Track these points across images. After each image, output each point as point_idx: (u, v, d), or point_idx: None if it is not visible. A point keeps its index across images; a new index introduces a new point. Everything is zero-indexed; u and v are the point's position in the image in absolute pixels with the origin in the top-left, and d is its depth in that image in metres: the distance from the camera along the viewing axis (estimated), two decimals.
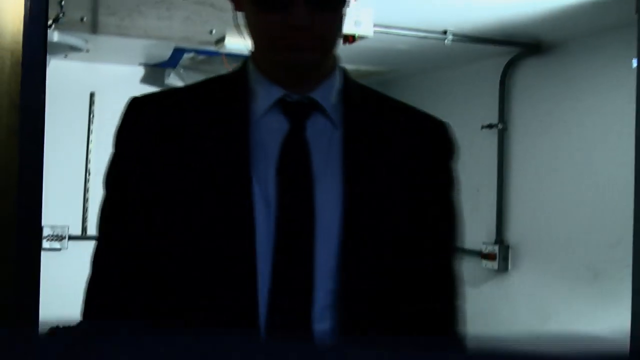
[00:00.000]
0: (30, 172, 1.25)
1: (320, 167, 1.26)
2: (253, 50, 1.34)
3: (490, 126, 4.22)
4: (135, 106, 1.35)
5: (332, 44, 1.29)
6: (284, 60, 1.25)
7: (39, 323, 1.46)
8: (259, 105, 1.29)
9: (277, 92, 1.29)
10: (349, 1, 1.26)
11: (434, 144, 1.39)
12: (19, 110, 1.17)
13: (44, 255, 4.97)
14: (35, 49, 1.13)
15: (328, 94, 1.32)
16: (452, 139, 1.44)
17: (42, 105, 1.27)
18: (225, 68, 4.24)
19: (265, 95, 1.30)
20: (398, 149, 1.32)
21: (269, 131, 1.27)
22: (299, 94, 1.30)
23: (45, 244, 4.38)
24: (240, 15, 1.33)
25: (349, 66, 4.44)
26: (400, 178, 1.30)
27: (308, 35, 1.21)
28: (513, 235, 4.09)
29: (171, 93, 1.43)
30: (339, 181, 1.25)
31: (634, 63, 2.95)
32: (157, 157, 1.25)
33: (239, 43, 3.75)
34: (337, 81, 1.34)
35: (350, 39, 3.32)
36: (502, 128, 4.18)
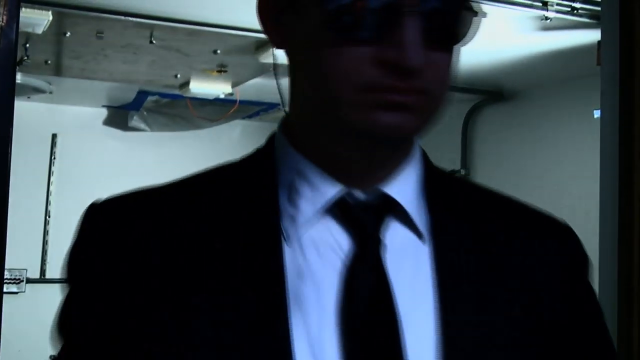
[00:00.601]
0: None
1: (406, 305, 0.78)
2: (295, 115, 0.85)
3: (452, 172, 4.26)
4: (100, 216, 0.89)
5: (442, 102, 0.80)
6: (368, 126, 0.74)
7: None
8: (301, 210, 0.80)
9: (333, 188, 0.80)
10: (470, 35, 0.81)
11: (567, 257, 0.90)
12: None
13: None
14: (3, 87, 1.12)
15: (409, 189, 0.84)
16: (585, 249, 0.93)
17: (8, 147, 1.23)
18: (190, 112, 4.25)
19: (312, 193, 0.81)
20: (517, 268, 0.85)
21: (319, 252, 0.79)
22: (366, 188, 0.81)
23: (3, 287, 4.30)
24: (280, 55, 0.85)
25: None
26: (529, 309, 0.83)
27: (419, 85, 0.74)
28: None
29: (153, 193, 0.92)
30: (434, 324, 0.79)
31: (596, 114, 3.02)
32: (137, 291, 0.77)
33: (204, 87, 3.77)
34: (418, 168, 0.87)
35: None
36: (464, 174, 4.23)
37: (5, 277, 4.29)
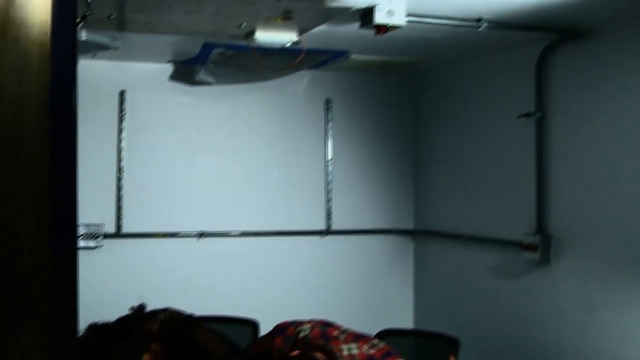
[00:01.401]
0: (65, 169, 1.19)
1: None
2: None
3: (527, 115, 4.15)
4: None
5: None
6: None
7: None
8: None
9: None
10: None
11: None
12: (48, 105, 1.14)
13: (80, 253, 5.01)
14: (64, 40, 1.10)
15: None
16: None
17: (74, 100, 1.21)
18: (256, 63, 4.22)
19: None
20: None
21: None
22: None
23: (81, 242, 4.41)
24: None
25: (381, 57, 4.41)
26: None
27: None
28: (554, 225, 4.02)
29: None
30: None
31: None
32: None
33: (269, 36, 3.74)
34: None
35: (382, 29, 3.28)
36: (539, 116, 4.11)
37: (83, 232, 4.40)
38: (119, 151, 4.63)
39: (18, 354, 1.10)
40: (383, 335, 3.75)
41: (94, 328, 3.21)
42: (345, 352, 3.02)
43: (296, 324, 3.23)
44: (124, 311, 3.28)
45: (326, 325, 3.27)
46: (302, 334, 3.16)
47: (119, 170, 4.62)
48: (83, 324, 3.22)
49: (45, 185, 1.15)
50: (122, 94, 4.67)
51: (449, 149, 5.02)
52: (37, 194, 1.14)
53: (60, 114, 1.18)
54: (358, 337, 3.20)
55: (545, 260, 4.02)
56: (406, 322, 5.33)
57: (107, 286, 4.52)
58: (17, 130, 1.12)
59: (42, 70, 1.11)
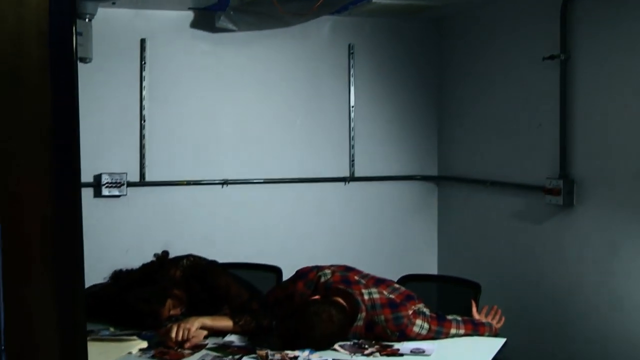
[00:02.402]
0: (65, 100, 1.20)
1: None
2: None
3: (552, 57, 4.11)
4: None
5: None
6: None
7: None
8: None
9: None
10: None
11: None
12: (47, 38, 1.15)
13: (104, 202, 5.09)
14: None
15: None
16: None
17: (72, 32, 1.21)
18: (276, 9, 4.20)
19: None
20: None
21: None
22: None
23: (105, 191, 4.47)
24: None
25: (403, 1, 4.37)
26: None
27: None
28: (578, 169, 4.01)
29: None
30: None
31: None
32: None
33: None
34: None
35: None
36: (564, 59, 4.07)
37: (106, 181, 4.47)
38: (141, 100, 4.66)
39: (28, 296, 1.13)
40: (405, 280, 3.80)
41: (118, 275, 3.30)
42: (366, 296, 3.08)
43: (317, 269, 3.29)
44: (149, 259, 3.36)
45: (347, 270, 3.32)
46: (323, 279, 3.22)
47: (142, 119, 4.66)
48: (109, 271, 3.30)
49: (47, 121, 1.17)
50: (142, 42, 4.69)
51: (473, 93, 5.00)
52: (39, 129, 1.16)
53: (59, 46, 1.19)
54: (379, 282, 3.25)
55: (568, 204, 4.02)
56: (430, 268, 5.37)
57: (132, 234, 4.60)
58: (17, 63, 1.14)
59: (41, 2, 1.12)
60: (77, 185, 1.22)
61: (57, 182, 1.17)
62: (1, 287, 1.09)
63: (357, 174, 5.22)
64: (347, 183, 5.20)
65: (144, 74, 4.67)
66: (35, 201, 1.16)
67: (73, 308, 1.22)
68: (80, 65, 4.36)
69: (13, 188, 1.14)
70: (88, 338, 3.06)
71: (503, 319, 3.29)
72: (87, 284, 3.64)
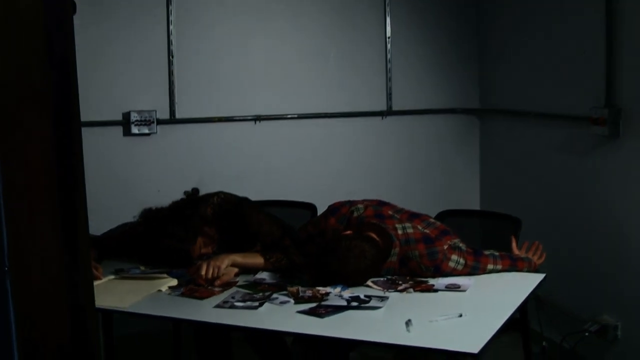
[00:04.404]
0: (61, 44, 1.20)
1: None
2: None
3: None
4: None
5: None
6: None
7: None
8: None
9: None
10: None
11: None
12: None
13: (134, 140, 5.13)
14: None
15: None
16: None
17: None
18: None
19: None
20: None
21: None
22: None
23: (134, 129, 4.50)
24: None
25: None
26: None
27: None
28: (624, 98, 3.93)
29: None
30: None
31: None
32: None
33: None
34: None
35: None
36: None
37: (135, 119, 4.50)
38: (168, 35, 4.64)
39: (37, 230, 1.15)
40: (444, 215, 3.79)
41: (148, 213, 3.33)
42: (400, 231, 3.07)
43: (350, 204, 3.29)
44: (180, 197, 3.38)
45: (380, 204, 3.31)
46: (355, 214, 3.21)
47: (170, 54, 4.65)
48: (139, 210, 3.34)
49: (45, 69, 1.17)
50: None
51: (515, 22, 4.89)
52: (36, 81, 1.16)
53: None
54: (413, 216, 3.24)
55: (614, 134, 3.95)
56: (472, 203, 5.35)
57: (163, 173, 4.63)
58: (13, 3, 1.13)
59: None
60: (75, 109, 1.22)
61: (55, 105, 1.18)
62: (2, 206, 1.11)
63: (394, 108, 5.18)
64: (384, 117, 5.16)
65: (170, 7, 4.64)
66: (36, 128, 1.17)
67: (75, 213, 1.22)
68: (106, 2, 4.35)
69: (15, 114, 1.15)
70: (118, 276, 3.14)
71: (544, 254, 3.27)
72: (118, 223, 3.70)
